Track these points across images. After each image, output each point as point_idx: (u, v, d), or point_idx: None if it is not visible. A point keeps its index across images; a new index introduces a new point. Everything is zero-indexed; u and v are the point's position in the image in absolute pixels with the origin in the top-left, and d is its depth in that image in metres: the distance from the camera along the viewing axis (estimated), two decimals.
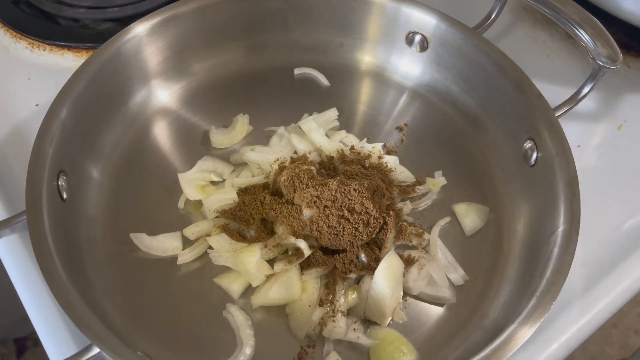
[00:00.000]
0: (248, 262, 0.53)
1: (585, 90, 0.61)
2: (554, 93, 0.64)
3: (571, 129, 0.68)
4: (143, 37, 0.63)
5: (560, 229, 0.51)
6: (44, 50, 0.75)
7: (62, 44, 0.75)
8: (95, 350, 0.44)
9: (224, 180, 0.62)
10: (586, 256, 0.59)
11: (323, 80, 0.72)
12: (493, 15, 0.69)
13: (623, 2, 0.71)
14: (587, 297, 0.56)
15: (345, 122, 0.68)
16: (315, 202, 0.55)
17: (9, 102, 0.69)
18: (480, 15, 0.70)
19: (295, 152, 0.64)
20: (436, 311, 0.55)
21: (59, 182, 0.54)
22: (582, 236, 0.59)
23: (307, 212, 0.55)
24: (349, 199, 0.54)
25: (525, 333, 0.45)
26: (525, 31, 0.81)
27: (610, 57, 0.59)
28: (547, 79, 0.73)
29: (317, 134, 0.64)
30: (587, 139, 0.70)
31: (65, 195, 0.54)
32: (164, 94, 0.68)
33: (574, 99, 0.62)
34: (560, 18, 0.61)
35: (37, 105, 0.69)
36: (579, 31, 0.60)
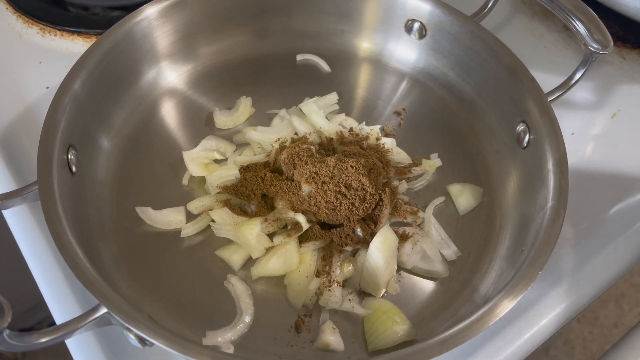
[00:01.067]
0: (249, 234, 0.55)
1: (577, 75, 0.63)
2: (550, 82, 0.65)
3: (566, 117, 0.70)
4: (153, 19, 0.65)
5: (549, 204, 0.52)
6: (54, 35, 0.76)
7: (72, 29, 0.76)
8: (101, 311, 0.44)
9: (226, 159, 0.64)
10: (577, 238, 0.61)
11: (324, 66, 0.73)
12: (490, 4, 0.70)
13: None
14: (576, 275, 0.58)
15: (344, 106, 0.70)
16: (313, 178, 0.56)
17: (21, 84, 0.72)
18: (477, 4, 0.72)
19: (296, 134, 0.65)
20: (429, 285, 0.56)
21: (69, 156, 0.55)
22: (573, 219, 0.61)
23: (305, 188, 0.56)
24: (346, 176, 0.56)
25: (510, 302, 0.46)
26: (524, 23, 0.83)
27: (601, 43, 0.60)
28: (544, 69, 0.75)
29: (317, 116, 0.65)
30: (581, 126, 0.71)
31: (74, 169, 0.56)
32: (172, 76, 0.69)
33: (566, 85, 0.63)
34: (553, 6, 0.63)
35: (47, 87, 0.71)
36: (571, 18, 0.62)
